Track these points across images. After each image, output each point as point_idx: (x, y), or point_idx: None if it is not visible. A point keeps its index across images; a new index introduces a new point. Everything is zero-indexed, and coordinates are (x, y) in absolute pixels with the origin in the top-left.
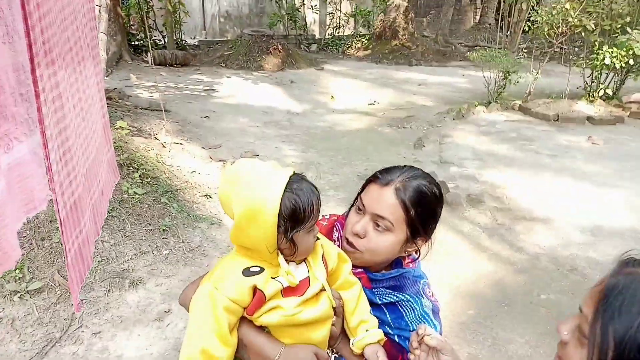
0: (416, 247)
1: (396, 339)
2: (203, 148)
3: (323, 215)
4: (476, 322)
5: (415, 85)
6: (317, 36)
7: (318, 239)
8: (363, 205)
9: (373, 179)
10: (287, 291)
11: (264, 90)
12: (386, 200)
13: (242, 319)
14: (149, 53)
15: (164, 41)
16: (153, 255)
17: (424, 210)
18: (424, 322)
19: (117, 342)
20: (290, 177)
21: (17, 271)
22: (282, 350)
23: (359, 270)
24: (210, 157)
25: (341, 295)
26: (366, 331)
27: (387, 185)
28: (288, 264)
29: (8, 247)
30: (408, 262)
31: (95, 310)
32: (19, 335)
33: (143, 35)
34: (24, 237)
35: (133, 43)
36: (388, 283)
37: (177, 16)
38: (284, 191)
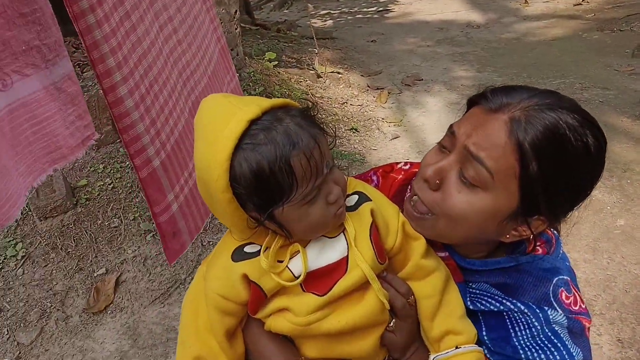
0: (529, 231)
1: None
2: (362, 76)
3: (404, 163)
4: None
5: None
6: None
7: (368, 199)
8: (454, 135)
9: (477, 99)
10: (308, 283)
11: (443, 3)
12: (490, 134)
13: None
14: None
15: None
16: None
17: (559, 168)
18: (550, 349)
19: None
20: (256, 120)
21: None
22: None
23: (443, 254)
24: (368, 86)
25: (412, 289)
26: (456, 348)
27: (497, 110)
28: (306, 245)
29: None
30: (536, 247)
31: None
32: (149, 274)
33: None
34: None
35: None
36: (493, 278)
37: None
38: (238, 148)
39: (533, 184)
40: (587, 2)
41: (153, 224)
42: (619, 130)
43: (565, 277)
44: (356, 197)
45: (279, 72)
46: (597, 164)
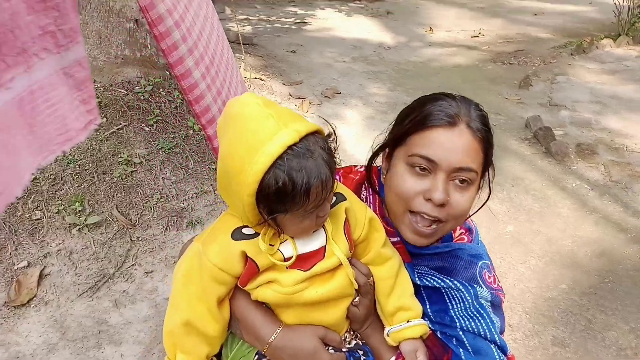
0: (485, 182)
1: (439, 334)
2: (284, 84)
3: (360, 166)
4: (569, 299)
5: (531, 15)
6: None
7: (343, 199)
8: (430, 160)
9: (425, 120)
10: (293, 262)
11: (357, 22)
12: (466, 145)
13: (238, 287)
14: None
15: None
16: (214, 195)
17: (489, 131)
18: (478, 318)
19: (167, 283)
20: (294, 145)
21: (78, 204)
22: (279, 331)
23: (395, 239)
24: (290, 94)
25: (372, 273)
26: (407, 322)
27: (455, 124)
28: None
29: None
30: (461, 235)
31: (150, 249)
32: (75, 269)
33: None
34: (86, 170)
35: None
36: (433, 262)
37: None
38: (274, 165)
39: (489, 156)
40: (482, 35)
41: (78, 217)
42: (509, 150)
43: (486, 261)
44: (334, 198)
45: None
46: None
